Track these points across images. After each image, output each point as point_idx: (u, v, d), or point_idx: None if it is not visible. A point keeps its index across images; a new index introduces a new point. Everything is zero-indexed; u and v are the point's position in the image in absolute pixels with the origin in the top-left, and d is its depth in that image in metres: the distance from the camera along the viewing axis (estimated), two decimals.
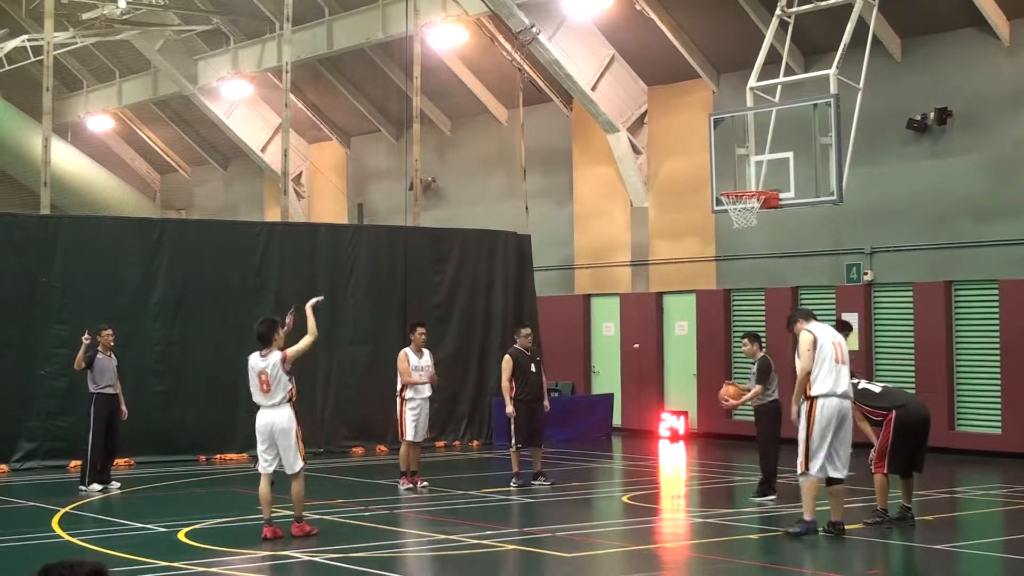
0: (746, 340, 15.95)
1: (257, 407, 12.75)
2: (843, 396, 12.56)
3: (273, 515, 12.72)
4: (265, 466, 12.72)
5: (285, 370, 12.52)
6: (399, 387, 16.59)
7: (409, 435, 16.37)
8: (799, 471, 12.54)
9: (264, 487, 12.68)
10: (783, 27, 19.56)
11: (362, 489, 16.83)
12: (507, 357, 16.94)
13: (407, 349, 16.71)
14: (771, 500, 15.15)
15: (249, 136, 33.11)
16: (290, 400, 12.63)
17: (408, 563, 12.01)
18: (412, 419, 16.39)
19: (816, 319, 13.17)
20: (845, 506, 12.83)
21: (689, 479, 19.02)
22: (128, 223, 22.04)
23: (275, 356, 12.56)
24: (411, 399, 16.43)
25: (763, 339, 16.50)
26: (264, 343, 12.67)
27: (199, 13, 31.17)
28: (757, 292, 23.13)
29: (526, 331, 17.17)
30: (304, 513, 12.94)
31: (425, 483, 16.42)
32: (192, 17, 31.31)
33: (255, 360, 12.67)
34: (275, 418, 12.57)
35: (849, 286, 21.74)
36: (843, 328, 14.21)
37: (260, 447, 12.74)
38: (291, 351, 12.59)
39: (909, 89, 20.93)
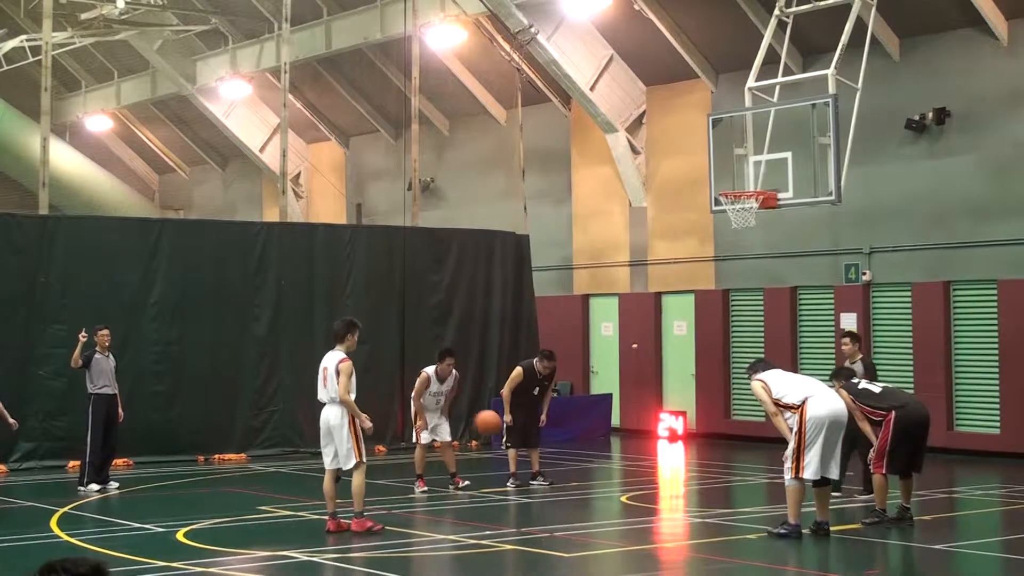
0: (847, 339, 15.88)
1: (320, 405, 13.17)
2: (829, 392, 12.66)
3: (337, 510, 13.01)
4: (326, 462, 13.10)
5: (336, 371, 12.88)
6: (415, 390, 16.54)
7: (424, 439, 16.36)
8: (790, 476, 12.52)
9: (327, 482, 13.06)
10: (781, 27, 19.57)
11: None
12: (519, 369, 16.84)
13: (432, 372, 16.39)
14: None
15: (247, 136, 33.11)
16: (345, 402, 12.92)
17: (407, 563, 12.00)
18: (427, 426, 16.41)
19: (771, 367, 13.29)
20: (845, 507, 12.83)
21: (688, 479, 19.01)
22: (127, 223, 22.02)
23: (338, 356, 13.02)
24: (429, 411, 16.41)
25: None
26: (336, 340, 13.21)
27: (197, 13, 31.16)
28: (756, 292, 23.13)
29: (549, 363, 16.76)
30: (365, 510, 13.09)
31: (467, 482, 16.38)
32: (190, 17, 31.30)
33: (326, 356, 13.20)
34: (329, 415, 13.00)
35: (848, 286, 21.74)
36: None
37: (321, 443, 13.16)
38: (345, 376, 12.84)
39: (907, 89, 20.94)
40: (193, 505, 15.45)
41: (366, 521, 12.95)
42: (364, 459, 12.98)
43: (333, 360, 13.02)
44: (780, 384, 12.77)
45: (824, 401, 12.48)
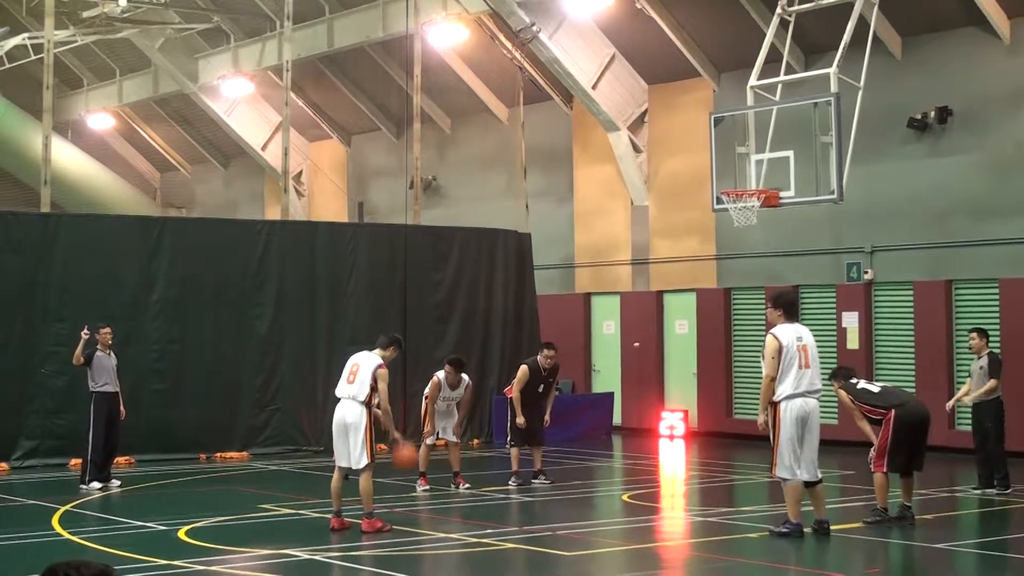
0: (975, 335, 15.95)
1: (335, 401, 13.19)
2: (806, 394, 12.30)
3: (342, 509, 13.03)
4: (336, 459, 13.09)
5: (373, 376, 12.90)
6: (427, 392, 16.58)
7: (430, 440, 16.41)
8: (779, 476, 12.49)
9: (336, 480, 13.12)
10: (784, 26, 19.56)
11: None
12: (524, 368, 16.84)
13: (442, 378, 16.41)
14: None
15: (249, 134, 33.12)
16: (366, 403, 12.92)
17: (408, 562, 12.00)
18: (434, 431, 16.49)
19: (794, 318, 12.71)
20: (845, 505, 12.81)
21: (689, 478, 19.02)
22: (128, 221, 22.02)
23: (376, 360, 13.06)
24: (439, 414, 16.49)
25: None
26: (378, 346, 13.35)
27: (200, 11, 31.18)
28: (757, 291, 23.10)
29: (549, 352, 16.92)
30: (375, 508, 13.08)
31: (468, 485, 16.35)
32: (193, 15, 31.31)
33: (360, 354, 13.28)
34: (346, 412, 12.96)
35: (849, 285, 21.74)
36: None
37: (334, 440, 13.14)
38: (383, 383, 12.96)
39: (910, 88, 20.93)
40: (195, 503, 15.46)
41: (376, 521, 12.92)
42: (374, 459, 12.99)
43: (370, 363, 13.01)
44: (787, 361, 12.33)
45: (792, 404, 12.27)
